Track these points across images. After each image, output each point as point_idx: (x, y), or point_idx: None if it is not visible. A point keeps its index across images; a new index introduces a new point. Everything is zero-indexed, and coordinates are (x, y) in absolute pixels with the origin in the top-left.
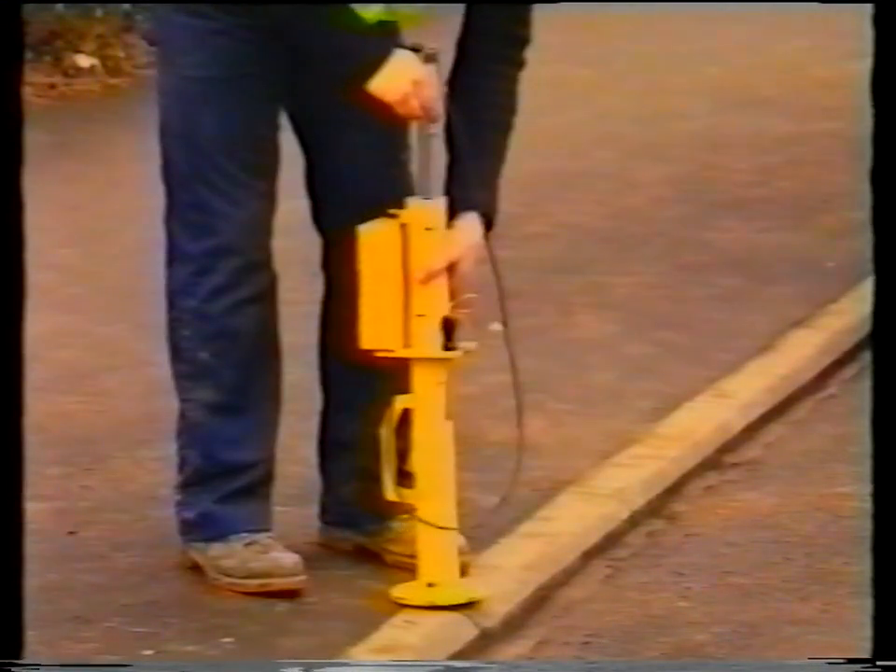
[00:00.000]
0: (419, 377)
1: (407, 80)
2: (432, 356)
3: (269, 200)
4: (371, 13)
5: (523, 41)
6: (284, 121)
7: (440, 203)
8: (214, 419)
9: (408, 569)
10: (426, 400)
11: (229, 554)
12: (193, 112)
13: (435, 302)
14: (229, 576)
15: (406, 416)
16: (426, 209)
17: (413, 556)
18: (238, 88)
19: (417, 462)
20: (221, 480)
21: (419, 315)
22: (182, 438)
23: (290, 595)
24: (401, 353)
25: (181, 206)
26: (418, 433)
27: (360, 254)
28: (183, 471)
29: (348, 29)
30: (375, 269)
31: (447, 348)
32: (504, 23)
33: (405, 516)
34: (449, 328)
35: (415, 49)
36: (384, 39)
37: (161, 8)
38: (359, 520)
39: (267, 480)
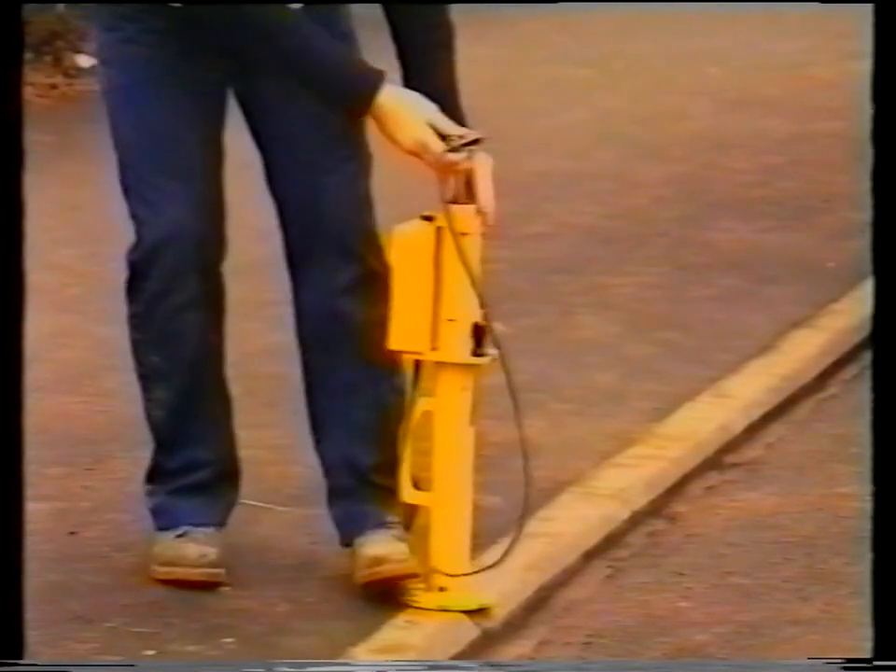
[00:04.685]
0: (444, 381)
1: (422, 122)
2: (461, 361)
3: (195, 203)
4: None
5: (443, 24)
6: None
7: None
8: (170, 418)
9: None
10: (450, 405)
11: (161, 543)
12: (114, 123)
13: (466, 307)
14: (154, 563)
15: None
16: (462, 213)
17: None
18: (146, 91)
19: (436, 466)
20: (176, 475)
21: (449, 320)
22: (151, 433)
23: (199, 586)
24: (429, 356)
25: (130, 218)
26: (439, 437)
27: (393, 255)
28: (149, 465)
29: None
30: (407, 270)
31: (476, 354)
32: (419, 15)
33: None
34: (479, 334)
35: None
36: (368, 71)
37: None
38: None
39: (222, 478)
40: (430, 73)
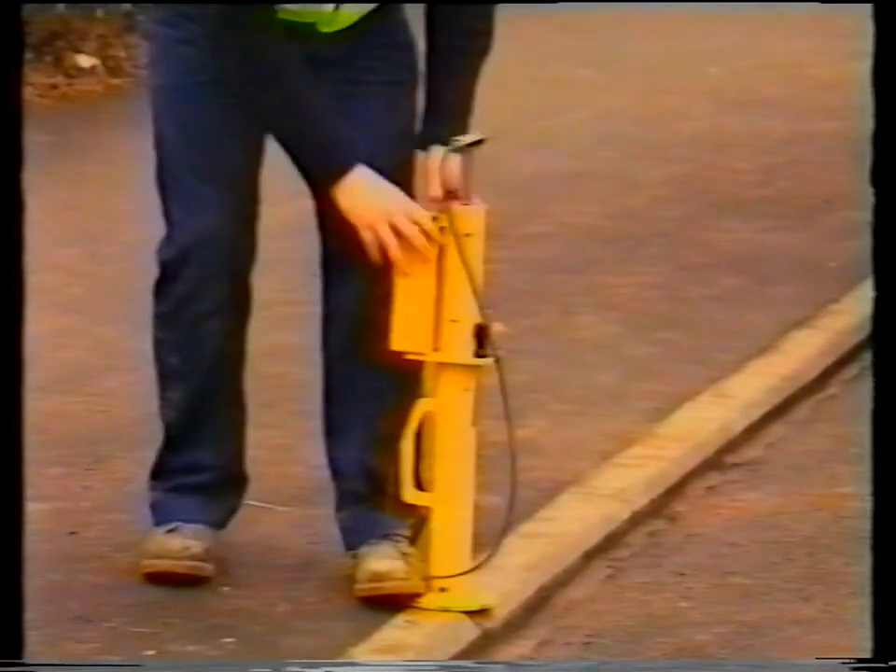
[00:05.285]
0: (446, 382)
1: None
2: (463, 362)
3: (230, 211)
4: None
5: (485, 33)
6: None
7: (480, 210)
8: (181, 419)
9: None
10: (452, 406)
11: (151, 538)
12: (159, 121)
13: (468, 308)
14: (142, 557)
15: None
16: (466, 214)
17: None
18: (196, 95)
19: (438, 466)
20: (178, 474)
21: (452, 321)
22: (162, 431)
23: (184, 579)
24: (432, 357)
25: (162, 215)
26: (441, 438)
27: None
28: (154, 462)
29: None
30: (411, 271)
31: (479, 355)
32: (465, 18)
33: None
34: (481, 335)
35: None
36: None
37: (150, 20)
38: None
39: (226, 483)
40: (457, 77)
